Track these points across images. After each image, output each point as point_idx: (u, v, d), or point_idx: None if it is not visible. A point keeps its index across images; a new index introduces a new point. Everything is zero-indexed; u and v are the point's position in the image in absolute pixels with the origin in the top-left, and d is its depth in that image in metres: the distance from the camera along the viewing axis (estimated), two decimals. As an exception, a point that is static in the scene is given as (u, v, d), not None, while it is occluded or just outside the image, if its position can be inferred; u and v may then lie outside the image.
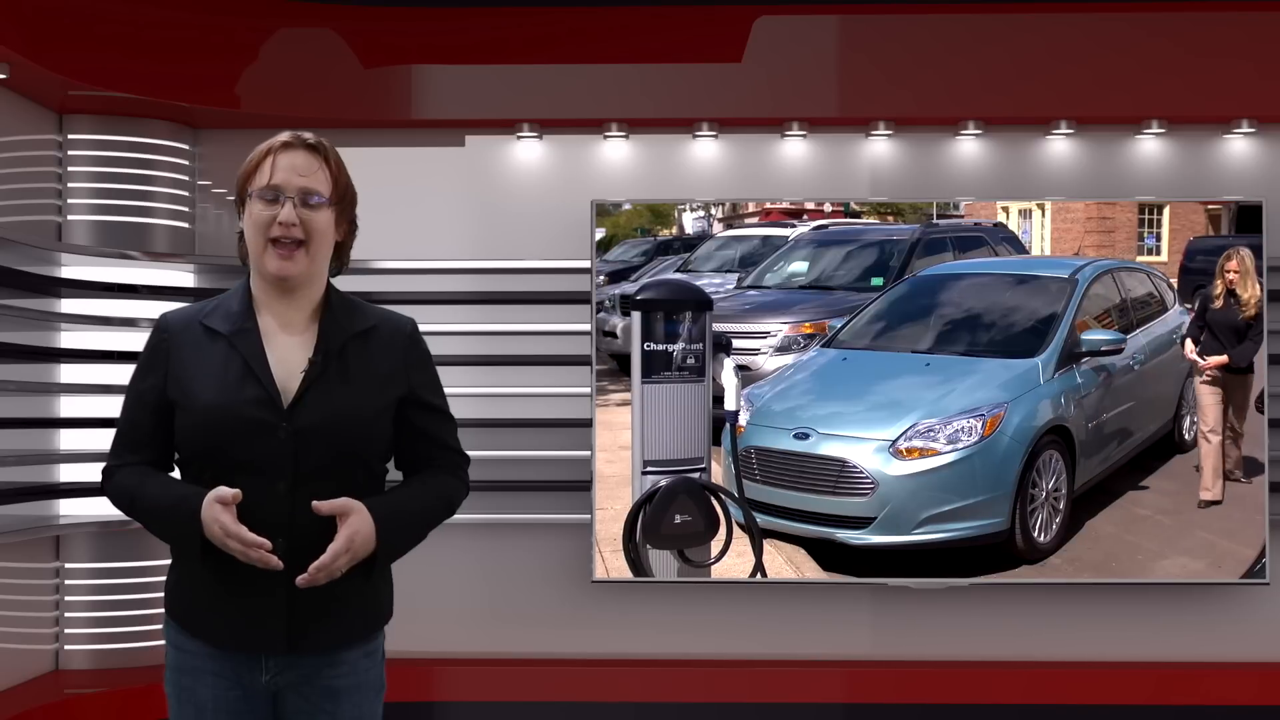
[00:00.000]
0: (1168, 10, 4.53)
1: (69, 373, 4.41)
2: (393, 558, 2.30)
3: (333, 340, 2.29)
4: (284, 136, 2.29)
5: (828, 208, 4.64)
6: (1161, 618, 4.60)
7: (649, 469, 4.35)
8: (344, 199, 2.33)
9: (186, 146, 4.65)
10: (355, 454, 2.25)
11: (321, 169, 2.29)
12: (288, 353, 2.28)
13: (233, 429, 2.21)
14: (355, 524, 2.19)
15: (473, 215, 4.70)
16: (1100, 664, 4.54)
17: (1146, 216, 4.52)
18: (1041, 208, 4.54)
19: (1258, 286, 4.50)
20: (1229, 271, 4.54)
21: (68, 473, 4.37)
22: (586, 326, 4.47)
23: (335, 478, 2.22)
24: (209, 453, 2.24)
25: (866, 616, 4.66)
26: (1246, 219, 4.48)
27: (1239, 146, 4.64)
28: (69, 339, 4.44)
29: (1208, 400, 4.52)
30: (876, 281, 4.56)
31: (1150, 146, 4.65)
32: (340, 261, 2.39)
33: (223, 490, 2.16)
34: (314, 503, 2.17)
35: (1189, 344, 4.55)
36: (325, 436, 2.22)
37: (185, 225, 4.65)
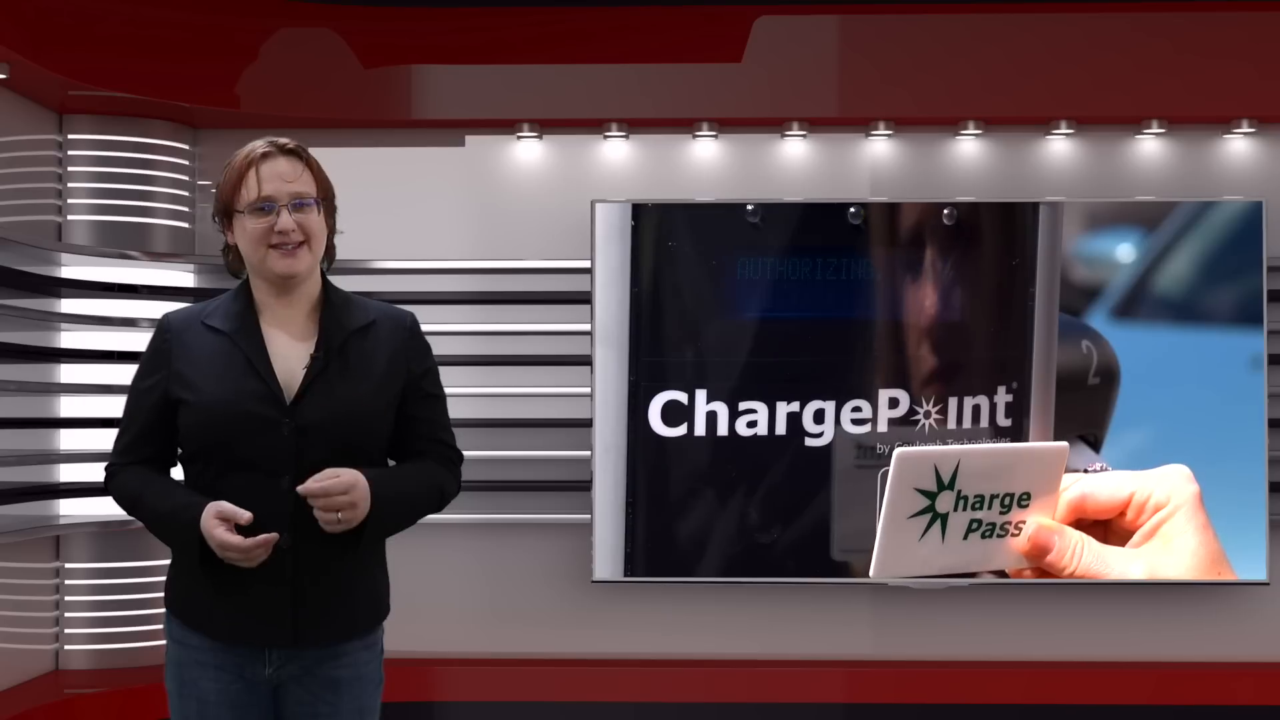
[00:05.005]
0: (1168, 10, 4.52)
1: (69, 373, 4.41)
2: (382, 530, 2.29)
3: (334, 337, 2.31)
4: (261, 147, 2.31)
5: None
6: (1161, 618, 4.59)
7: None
8: (328, 196, 2.36)
9: (186, 146, 4.65)
10: (357, 449, 2.27)
11: (305, 171, 2.32)
12: (289, 350, 2.30)
13: (236, 425, 2.23)
14: (359, 479, 2.19)
15: (473, 215, 4.70)
16: (1100, 664, 4.54)
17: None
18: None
19: None
20: None
21: (68, 473, 4.37)
22: (586, 326, 4.47)
23: None
24: (212, 449, 2.25)
25: (866, 616, 4.65)
26: (1245, 219, 4.42)
27: (1239, 146, 4.64)
28: (69, 339, 4.43)
29: None
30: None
31: (1150, 146, 4.65)
32: (329, 257, 2.40)
33: (224, 506, 2.17)
34: (315, 478, 2.16)
35: None
36: (327, 432, 2.25)
37: (185, 225, 4.65)
